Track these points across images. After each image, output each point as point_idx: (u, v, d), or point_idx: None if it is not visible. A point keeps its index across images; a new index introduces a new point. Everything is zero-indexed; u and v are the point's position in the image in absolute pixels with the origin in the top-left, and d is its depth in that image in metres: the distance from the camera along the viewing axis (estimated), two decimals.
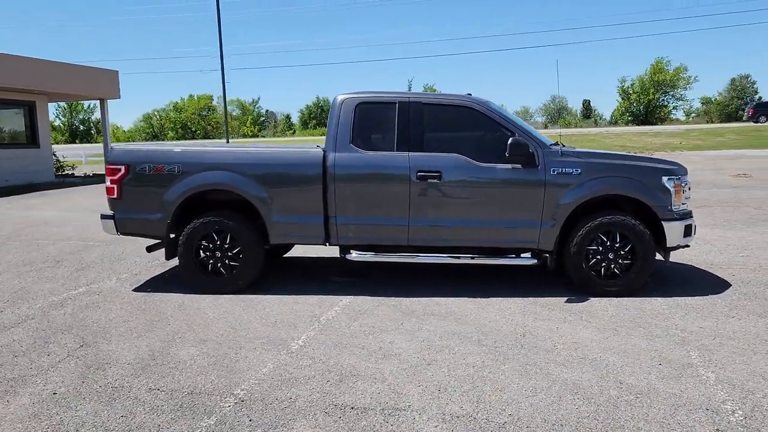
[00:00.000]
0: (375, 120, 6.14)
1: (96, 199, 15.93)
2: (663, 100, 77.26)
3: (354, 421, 3.46)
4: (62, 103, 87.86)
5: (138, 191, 6.20)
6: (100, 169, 26.56)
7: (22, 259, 8.11)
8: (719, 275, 6.58)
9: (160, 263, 7.65)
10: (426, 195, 5.89)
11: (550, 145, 6.03)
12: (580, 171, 5.79)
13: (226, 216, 6.11)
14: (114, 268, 7.45)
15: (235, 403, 3.71)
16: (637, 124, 69.69)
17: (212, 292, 6.12)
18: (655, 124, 68.56)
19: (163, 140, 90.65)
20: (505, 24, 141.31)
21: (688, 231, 5.92)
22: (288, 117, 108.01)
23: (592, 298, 5.76)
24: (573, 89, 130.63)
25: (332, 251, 7.88)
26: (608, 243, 5.82)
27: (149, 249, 6.67)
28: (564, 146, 6.06)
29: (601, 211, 5.87)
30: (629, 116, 77.42)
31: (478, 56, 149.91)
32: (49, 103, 21.95)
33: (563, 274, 6.14)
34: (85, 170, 27.88)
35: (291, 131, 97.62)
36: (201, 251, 6.19)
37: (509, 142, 5.69)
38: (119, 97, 22.80)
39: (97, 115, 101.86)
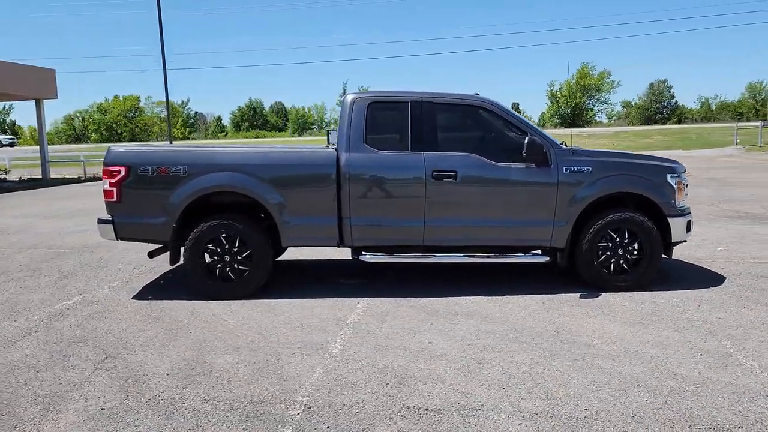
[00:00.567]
0: (387, 119, 6.09)
1: (46, 205, 15.13)
2: (588, 103, 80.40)
3: (434, 423, 3.40)
4: None
5: (140, 194, 5.90)
6: (37, 173, 25.23)
7: None
8: (709, 269, 6.89)
9: (147, 269, 7.33)
10: (441, 195, 5.88)
11: (560, 144, 6.14)
12: (591, 170, 5.93)
13: (235, 219, 5.91)
14: (100, 276, 7.06)
15: (303, 410, 3.59)
16: (565, 127, 72.14)
17: (221, 297, 5.90)
18: (582, 126, 71.18)
19: (86, 143, 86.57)
20: (445, 28, 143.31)
21: (689, 227, 6.17)
22: (219, 119, 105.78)
23: (604, 294, 5.91)
24: (502, 92, 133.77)
25: (324, 254, 7.80)
26: (617, 239, 5.98)
27: (151, 254, 6.36)
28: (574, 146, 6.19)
29: (609, 208, 6.03)
30: (558, 119, 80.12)
31: (409, 59, 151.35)
32: None
33: (571, 271, 6.27)
34: (18, 174, 26.37)
35: (223, 133, 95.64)
36: (208, 256, 5.96)
37: (526, 141, 5.76)
38: (56, 97, 21.70)
39: (12, 116, 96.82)
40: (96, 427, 3.43)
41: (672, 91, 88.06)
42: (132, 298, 6.10)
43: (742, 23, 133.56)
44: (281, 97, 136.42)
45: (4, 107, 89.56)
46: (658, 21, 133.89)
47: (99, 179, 23.93)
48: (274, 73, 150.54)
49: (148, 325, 5.21)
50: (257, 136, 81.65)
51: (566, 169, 5.91)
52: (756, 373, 4.01)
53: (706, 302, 5.59)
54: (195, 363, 4.34)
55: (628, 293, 5.90)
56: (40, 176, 23.44)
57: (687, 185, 6.33)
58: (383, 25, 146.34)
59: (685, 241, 6.34)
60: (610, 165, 6.03)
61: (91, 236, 9.79)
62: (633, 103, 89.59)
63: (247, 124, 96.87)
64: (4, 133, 77.66)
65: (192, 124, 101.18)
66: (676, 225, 6.04)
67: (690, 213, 6.26)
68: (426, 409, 3.57)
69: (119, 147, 6.13)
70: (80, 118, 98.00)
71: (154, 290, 6.39)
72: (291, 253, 7.87)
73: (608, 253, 6.00)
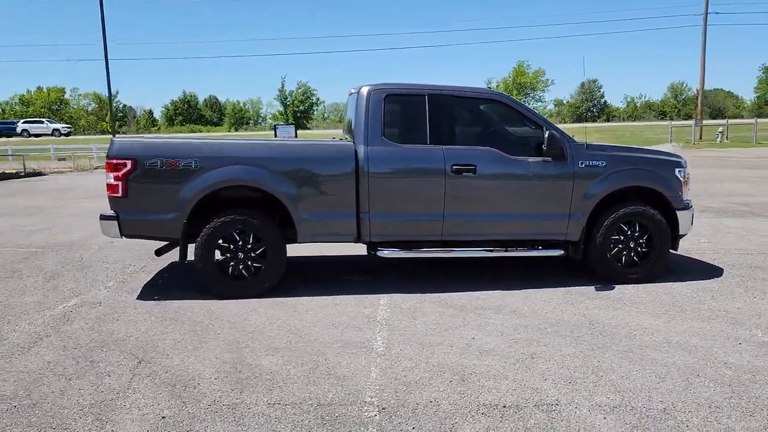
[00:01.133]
0: (405, 112, 5.98)
1: None
2: (524, 101, 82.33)
3: (520, 420, 3.35)
4: None
5: (148, 188, 5.57)
6: None
7: None
8: (703, 260, 7.13)
9: (137, 268, 6.96)
10: (461, 188, 5.83)
11: (573, 139, 6.20)
12: (605, 164, 6.01)
13: (250, 214, 5.67)
14: (89, 277, 6.65)
15: (379, 411, 3.46)
16: None
17: (233, 296, 5.65)
18: None
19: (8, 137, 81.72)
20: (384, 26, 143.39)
21: (692, 220, 6.36)
22: (150, 112, 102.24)
23: (618, 286, 6.01)
24: None
25: (320, 250, 7.60)
26: (629, 232, 6.10)
27: (158, 252, 6.03)
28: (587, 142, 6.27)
29: (619, 202, 6.13)
30: None
31: (346, 55, 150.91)
32: None
33: (583, 264, 6.34)
34: None
35: (156, 127, 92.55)
36: (219, 253, 5.70)
37: (547, 135, 5.78)
38: None
39: None
40: None
41: (602, 90, 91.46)
42: (136, 299, 5.77)
43: (666, 27, 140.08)
44: (214, 92, 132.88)
45: None
46: (591, 23, 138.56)
47: (40, 174, 22.77)
48: (208, 67, 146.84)
49: (168, 327, 4.92)
50: (192, 131, 79.41)
51: (581, 164, 5.97)
52: None
53: (717, 293, 5.77)
54: (239, 365, 4.13)
55: (640, 285, 6.03)
56: None
57: (689, 179, 6.52)
58: (320, 20, 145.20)
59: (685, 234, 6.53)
60: (623, 159, 6.13)
61: (58, 234, 9.25)
62: (565, 102, 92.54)
63: (180, 118, 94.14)
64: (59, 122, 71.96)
65: (122, 118, 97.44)
66: (683, 218, 6.21)
67: (692, 207, 6.45)
68: (504, 406, 3.51)
69: (124, 138, 5.77)
70: (0, 110, 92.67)
71: (157, 290, 6.06)
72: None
73: (620, 245, 6.11)
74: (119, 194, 5.55)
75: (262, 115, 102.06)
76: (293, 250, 7.51)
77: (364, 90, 5.92)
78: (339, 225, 5.82)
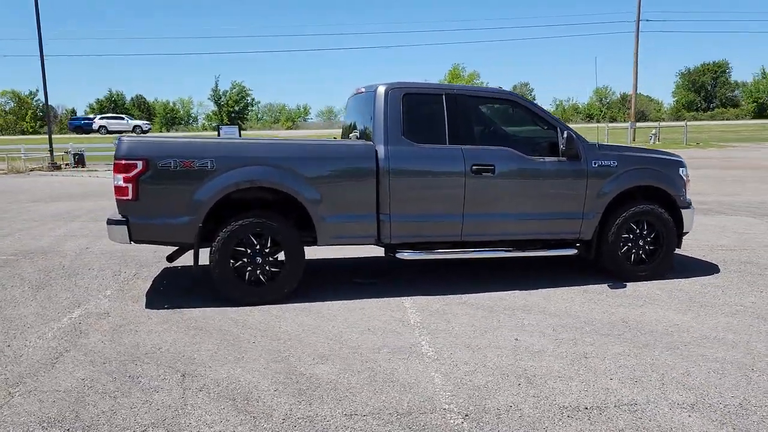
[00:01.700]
0: (423, 112, 5.87)
1: None
2: None
3: (608, 421, 3.32)
4: None
5: (160, 191, 5.25)
6: None
7: None
8: (695, 257, 7.37)
9: (130, 275, 6.58)
10: (480, 189, 5.79)
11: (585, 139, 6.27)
12: (616, 163, 6.11)
13: (268, 217, 5.44)
14: (81, 285, 6.22)
15: (463, 419, 3.36)
16: None
17: (251, 303, 5.41)
18: None
19: None
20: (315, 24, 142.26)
21: (693, 219, 6.55)
22: (73, 111, 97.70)
23: (630, 284, 6.11)
24: None
25: (317, 253, 7.40)
26: (638, 231, 6.22)
27: (170, 258, 5.69)
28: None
29: (627, 201, 6.24)
30: None
31: (280, 55, 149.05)
32: None
33: (594, 263, 6.42)
34: None
35: None
36: (236, 258, 5.44)
37: (565, 136, 5.82)
38: None
39: None
40: None
41: (533, 93, 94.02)
42: (145, 308, 5.43)
43: (592, 33, 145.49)
44: (142, 91, 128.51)
45: None
46: (523, 27, 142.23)
47: None
48: (132, 65, 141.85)
49: (196, 338, 4.65)
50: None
51: (595, 163, 6.05)
52: None
53: (725, 288, 5.96)
54: (293, 375, 3.93)
55: (649, 282, 6.15)
56: None
57: (689, 179, 6.72)
58: (257, 16, 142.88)
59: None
60: (633, 159, 6.25)
61: (24, 240, 8.66)
62: None
63: None
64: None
65: (42, 117, 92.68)
66: (687, 216, 6.39)
67: (693, 206, 6.64)
68: (585, 408, 3.48)
69: (133, 138, 5.42)
70: None
71: (162, 299, 5.72)
72: None
73: (629, 244, 6.22)
74: (129, 197, 5.21)
75: (193, 115, 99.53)
76: None
77: (381, 89, 5.78)
78: (359, 227, 5.67)
